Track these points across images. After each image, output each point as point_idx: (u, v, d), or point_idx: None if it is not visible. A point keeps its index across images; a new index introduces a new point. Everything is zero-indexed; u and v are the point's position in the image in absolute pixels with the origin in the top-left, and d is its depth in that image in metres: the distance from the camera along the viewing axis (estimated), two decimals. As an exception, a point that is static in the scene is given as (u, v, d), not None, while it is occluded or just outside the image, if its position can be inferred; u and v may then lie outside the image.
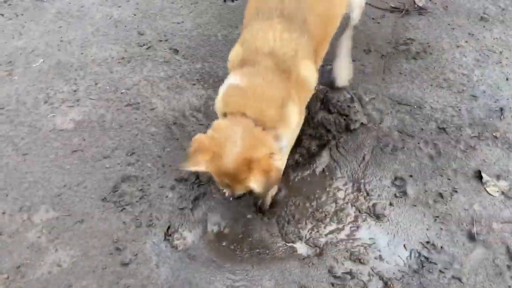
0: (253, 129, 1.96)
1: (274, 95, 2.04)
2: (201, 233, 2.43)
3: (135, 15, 3.53)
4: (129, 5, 3.61)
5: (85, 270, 2.24)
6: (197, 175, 2.62)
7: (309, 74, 2.18)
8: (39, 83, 3.03)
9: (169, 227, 2.42)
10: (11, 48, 3.24)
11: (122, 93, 3.00)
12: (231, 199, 2.37)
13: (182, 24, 3.46)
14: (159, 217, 2.45)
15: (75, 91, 3.00)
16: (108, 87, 3.03)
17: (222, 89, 2.16)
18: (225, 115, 2.08)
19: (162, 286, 2.20)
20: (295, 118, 2.14)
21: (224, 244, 2.41)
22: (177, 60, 3.21)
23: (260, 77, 2.05)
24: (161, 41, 3.34)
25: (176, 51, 3.26)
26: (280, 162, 2.01)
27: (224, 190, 2.29)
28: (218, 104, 2.16)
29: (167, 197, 2.52)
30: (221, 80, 3.04)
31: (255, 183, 1.89)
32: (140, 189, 2.55)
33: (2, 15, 3.50)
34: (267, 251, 2.39)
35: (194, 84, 3.05)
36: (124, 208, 2.47)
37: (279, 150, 2.06)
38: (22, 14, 3.51)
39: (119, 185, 2.55)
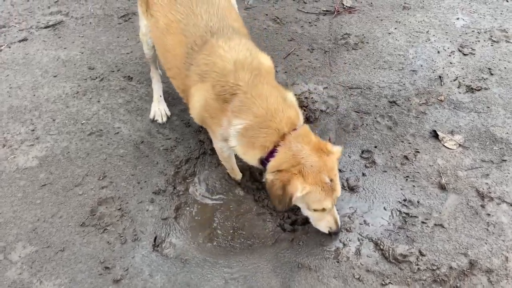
0: (301, 135, 2.09)
1: (277, 102, 2.09)
2: (190, 238, 2.40)
3: (82, 53, 3.57)
4: (75, 45, 3.65)
5: (75, 295, 2.13)
6: (174, 185, 2.63)
7: (268, 60, 2.29)
8: (-7, 130, 2.95)
9: (155, 238, 2.37)
10: (-42, 102, 3.15)
11: (82, 124, 2.98)
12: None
13: (131, 54, 3.54)
14: (144, 230, 2.40)
15: (32, 130, 2.95)
16: (67, 121, 3.00)
17: (236, 141, 2.12)
18: (261, 160, 2.12)
19: (160, 293, 2.14)
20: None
21: (215, 243, 2.40)
22: (132, 86, 3.26)
23: (255, 98, 2.06)
24: (113, 71, 3.39)
25: (130, 78, 3.32)
26: None
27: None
28: (247, 156, 2.16)
29: (147, 210, 2.49)
30: (180, 97, 3.17)
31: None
32: (119, 208, 2.50)
33: None
34: (258, 241, 2.40)
35: (154, 104, 3.10)
36: (106, 229, 2.40)
37: None
38: (-36, 70, 3.45)
39: (96, 209, 2.49)
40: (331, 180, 2.04)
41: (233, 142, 2.13)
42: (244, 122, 2.06)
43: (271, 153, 2.07)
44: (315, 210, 2.13)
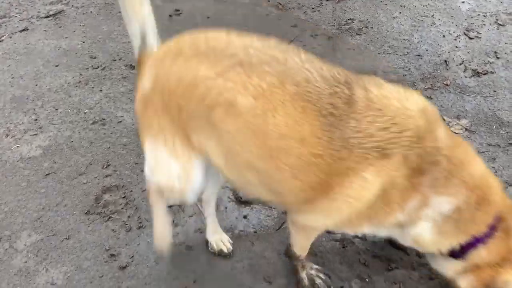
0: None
1: (481, 163, 1.65)
2: (195, 225, 2.39)
3: (84, 42, 3.55)
4: (76, 34, 3.63)
5: (81, 283, 2.13)
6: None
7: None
8: (-4, 120, 2.94)
9: (160, 226, 2.37)
10: (-40, 92, 3.14)
11: (85, 113, 2.97)
12: None
13: (132, 42, 3.51)
14: (148, 218, 2.39)
15: (35, 120, 2.94)
16: (69, 111, 2.99)
17: (430, 227, 1.60)
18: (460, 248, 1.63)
19: (166, 280, 2.13)
20: None
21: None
22: (134, 75, 3.22)
23: (461, 164, 1.54)
24: (115, 60, 3.37)
25: (132, 67, 3.29)
26: None
27: None
28: (435, 245, 1.66)
29: (152, 198, 2.48)
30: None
31: None
32: (123, 196, 2.49)
33: None
34: (262, 228, 2.40)
35: (156, 92, 3.08)
36: (111, 217, 2.40)
37: None
38: (-34, 61, 3.43)
39: (100, 197, 2.49)
40: None
41: (422, 228, 1.61)
42: (455, 201, 1.54)
43: (478, 239, 1.60)
44: None
